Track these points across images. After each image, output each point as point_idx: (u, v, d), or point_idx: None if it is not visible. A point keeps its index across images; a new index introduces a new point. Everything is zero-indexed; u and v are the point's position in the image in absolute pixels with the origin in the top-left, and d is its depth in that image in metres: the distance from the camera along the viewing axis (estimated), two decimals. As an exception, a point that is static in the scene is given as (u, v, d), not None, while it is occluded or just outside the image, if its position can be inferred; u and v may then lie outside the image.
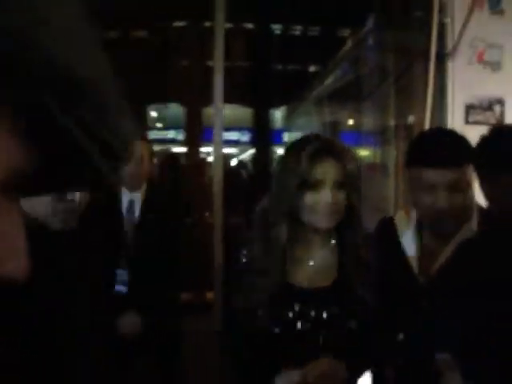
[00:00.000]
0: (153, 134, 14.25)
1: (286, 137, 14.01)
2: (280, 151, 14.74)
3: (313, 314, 1.64)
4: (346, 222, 1.71)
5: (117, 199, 3.11)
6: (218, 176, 4.42)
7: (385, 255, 1.83)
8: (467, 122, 3.96)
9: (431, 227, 1.80)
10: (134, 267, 3.03)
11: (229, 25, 7.13)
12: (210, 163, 7.30)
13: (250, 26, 10.65)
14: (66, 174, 0.41)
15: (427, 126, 4.00)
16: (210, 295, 5.05)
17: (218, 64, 4.39)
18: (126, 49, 9.01)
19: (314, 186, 1.65)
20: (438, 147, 1.71)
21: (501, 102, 4.02)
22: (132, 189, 3.12)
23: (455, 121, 3.92)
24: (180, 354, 3.27)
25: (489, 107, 3.99)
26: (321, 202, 1.64)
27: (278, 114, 13.74)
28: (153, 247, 3.04)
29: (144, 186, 3.16)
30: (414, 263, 1.80)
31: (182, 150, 10.89)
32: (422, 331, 1.66)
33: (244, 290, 1.71)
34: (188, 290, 5.76)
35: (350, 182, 1.69)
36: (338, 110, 9.52)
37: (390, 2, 4.84)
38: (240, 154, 14.61)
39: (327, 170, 1.66)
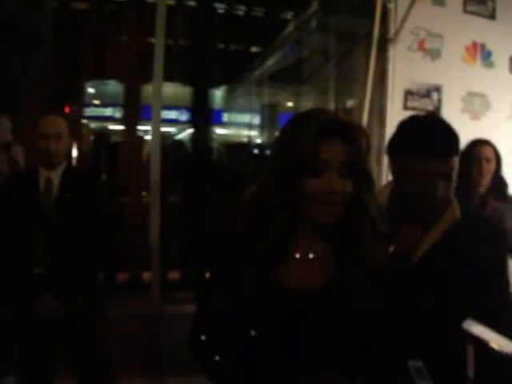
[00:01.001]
0: (90, 111, 13.89)
1: (226, 117, 13.94)
2: (219, 131, 14.77)
3: (302, 318, 1.39)
4: (350, 215, 1.42)
5: (34, 177, 2.95)
6: (155, 155, 4.34)
7: None
8: (405, 107, 4.02)
9: (412, 214, 1.72)
10: (53, 248, 2.89)
11: (171, 2, 6.99)
12: (147, 141, 7.17)
13: (192, 3, 10.48)
14: None
15: (366, 109, 4.04)
16: (147, 275, 4.98)
17: (158, 41, 4.29)
18: (65, 21, 8.69)
19: (316, 169, 1.35)
20: (437, 137, 1.64)
21: (438, 89, 4.11)
22: (49, 167, 2.96)
23: (394, 106, 3.97)
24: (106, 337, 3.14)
25: (427, 94, 4.07)
26: (322, 190, 1.35)
27: (217, 94, 13.63)
28: (70, 227, 2.90)
29: (63, 165, 3.00)
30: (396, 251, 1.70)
31: (120, 127, 10.65)
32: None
33: (224, 289, 1.42)
34: (125, 270, 5.68)
35: (360, 168, 1.41)
36: (278, 92, 9.52)
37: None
38: (178, 133, 14.42)
39: (333, 151, 1.36)
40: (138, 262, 5.36)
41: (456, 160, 1.63)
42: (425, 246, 1.68)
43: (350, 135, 1.37)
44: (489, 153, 3.16)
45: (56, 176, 2.97)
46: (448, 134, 1.65)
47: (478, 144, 3.18)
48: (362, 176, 1.42)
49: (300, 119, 1.42)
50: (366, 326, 1.38)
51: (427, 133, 1.65)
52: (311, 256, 1.45)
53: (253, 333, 1.36)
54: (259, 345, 1.36)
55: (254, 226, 1.42)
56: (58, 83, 7.55)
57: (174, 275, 5.70)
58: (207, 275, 1.49)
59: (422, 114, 1.82)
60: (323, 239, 1.46)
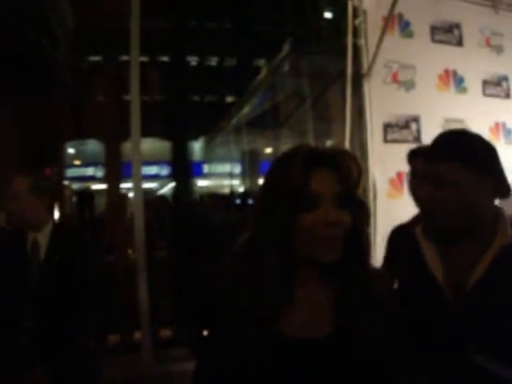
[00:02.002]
0: (71, 172, 13.87)
1: (206, 168, 13.96)
2: (200, 182, 14.78)
3: (311, 370, 1.26)
4: (351, 251, 1.30)
5: (22, 239, 2.85)
6: (138, 211, 4.28)
7: (409, 281, 1.63)
8: (386, 140, 4.01)
9: (434, 225, 1.65)
10: (41, 316, 2.74)
11: (144, 58, 7.04)
12: (130, 199, 7.11)
13: (165, 58, 10.60)
14: None
15: (347, 147, 4.02)
16: (138, 335, 4.84)
17: (134, 98, 4.29)
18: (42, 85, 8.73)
19: (309, 202, 1.27)
20: (433, 142, 1.66)
21: (416, 119, 4.11)
22: (32, 229, 2.87)
23: (374, 140, 3.96)
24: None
25: (405, 125, 4.07)
26: (319, 223, 1.25)
27: (196, 146, 13.69)
28: (58, 294, 2.79)
29: (49, 226, 2.90)
30: (444, 284, 1.61)
31: (102, 186, 10.61)
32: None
33: (223, 347, 1.29)
34: (115, 331, 5.54)
35: (354, 197, 1.32)
36: (256, 138, 9.56)
37: (304, 29, 4.90)
38: (160, 188, 14.41)
39: (324, 181, 1.28)
40: (128, 322, 5.22)
41: (452, 166, 1.57)
42: (471, 282, 1.57)
43: (338, 163, 1.29)
44: None
45: (43, 237, 2.87)
46: (452, 141, 1.64)
47: None
48: (358, 206, 1.33)
49: (285, 156, 1.34)
50: (379, 379, 1.24)
51: (437, 139, 1.66)
52: (313, 301, 1.33)
53: None
54: None
55: (249, 276, 1.31)
56: (34, 145, 7.52)
57: (165, 333, 5.56)
58: (205, 333, 1.38)
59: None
60: (325, 281, 1.34)
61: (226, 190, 12.50)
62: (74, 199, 8.34)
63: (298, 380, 1.25)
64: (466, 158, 1.59)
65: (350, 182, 1.29)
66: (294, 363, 1.25)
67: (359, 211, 1.32)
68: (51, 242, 2.86)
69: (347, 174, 1.29)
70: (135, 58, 4.32)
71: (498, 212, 1.65)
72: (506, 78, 4.67)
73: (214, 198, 7.67)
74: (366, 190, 3.70)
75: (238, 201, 8.15)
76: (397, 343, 1.28)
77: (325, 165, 1.29)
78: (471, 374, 1.31)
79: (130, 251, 5.90)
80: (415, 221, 2.73)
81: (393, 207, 3.70)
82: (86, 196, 7.33)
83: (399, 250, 2.28)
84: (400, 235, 2.75)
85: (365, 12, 4.11)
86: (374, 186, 3.78)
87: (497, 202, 1.69)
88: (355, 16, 4.18)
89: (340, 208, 1.27)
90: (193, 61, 11.28)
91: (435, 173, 1.58)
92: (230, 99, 12.73)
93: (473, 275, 1.57)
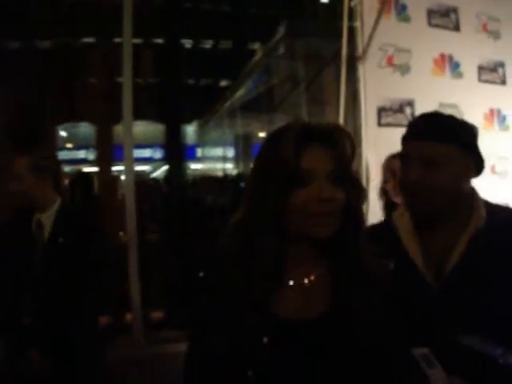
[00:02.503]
0: (63, 155, 13.81)
1: (199, 152, 13.91)
2: (193, 166, 14.74)
3: (304, 352, 1.24)
4: (345, 229, 1.28)
5: (27, 219, 2.82)
6: (129, 194, 4.24)
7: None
8: (380, 124, 3.99)
9: (417, 207, 1.64)
10: (42, 296, 2.71)
11: (138, 40, 6.98)
12: (122, 182, 7.10)
13: (159, 41, 10.52)
14: None
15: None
16: (128, 317, 4.83)
17: (126, 80, 4.23)
18: (33, 64, 8.65)
19: (302, 180, 1.24)
20: (418, 121, 1.66)
21: (411, 103, 4.09)
22: (37, 209, 2.83)
23: (368, 124, 3.93)
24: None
25: (400, 109, 4.05)
26: (312, 200, 1.23)
27: (190, 130, 13.63)
28: (61, 275, 2.76)
29: (55, 206, 2.85)
30: (424, 271, 1.60)
31: (94, 169, 10.58)
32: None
33: (217, 329, 1.26)
34: (105, 314, 5.53)
35: (349, 174, 1.29)
36: (250, 122, 9.52)
37: (300, 10, 4.85)
38: (153, 171, 14.37)
39: (317, 158, 1.25)
40: (119, 304, 5.21)
41: (440, 146, 1.57)
42: (449, 265, 1.57)
43: (331, 139, 1.27)
44: None
45: (47, 218, 2.83)
46: (437, 121, 1.62)
47: None
48: (353, 183, 1.30)
49: (276, 133, 1.31)
50: (377, 357, 1.22)
51: (419, 119, 1.67)
52: (307, 281, 1.31)
53: (250, 373, 1.21)
54: None
55: (242, 258, 1.29)
56: (26, 126, 7.46)
57: (156, 315, 5.55)
58: (198, 315, 1.36)
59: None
60: (319, 260, 1.32)
61: (220, 174, 12.50)
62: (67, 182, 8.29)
63: (294, 362, 1.23)
64: (453, 137, 1.59)
65: (343, 159, 1.27)
66: (290, 345, 1.24)
67: (354, 188, 1.30)
68: (55, 222, 2.82)
69: (341, 151, 1.27)
70: (128, 40, 4.26)
71: (473, 192, 1.67)
72: (502, 65, 4.65)
73: (207, 181, 7.66)
74: (359, 174, 3.69)
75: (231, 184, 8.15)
76: (392, 322, 1.27)
77: (318, 141, 1.27)
78: (458, 356, 1.30)
79: (121, 234, 5.88)
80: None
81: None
82: (86, 178, 7.27)
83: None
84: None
85: (361, -6, 4.07)
86: (367, 170, 3.76)
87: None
88: (351, -2, 4.14)
89: (334, 185, 1.25)
90: (187, 43, 11.19)
91: (423, 152, 1.57)
92: (224, 83, 12.66)
93: (451, 258, 1.57)
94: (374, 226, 1.87)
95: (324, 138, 1.27)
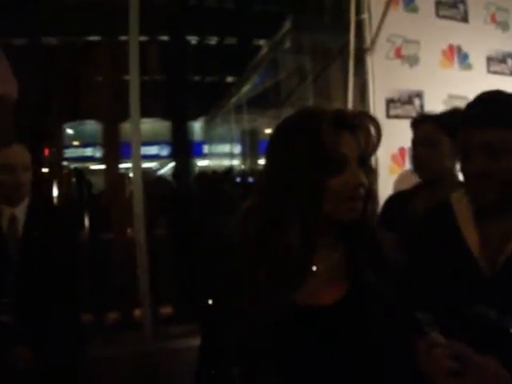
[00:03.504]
0: (70, 152, 13.83)
1: (206, 148, 13.90)
2: (200, 163, 14.72)
3: (324, 340, 1.23)
4: (366, 212, 1.29)
5: None
6: (137, 191, 4.25)
7: (443, 252, 1.56)
8: (388, 116, 3.96)
9: (483, 199, 1.54)
10: (20, 292, 2.63)
11: (143, 38, 6.97)
12: (130, 179, 7.12)
13: (164, 38, 10.51)
14: None
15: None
16: (137, 313, 4.84)
17: (133, 78, 4.23)
18: (39, 63, 8.66)
19: (339, 165, 1.24)
20: (477, 106, 1.54)
21: (420, 95, 4.06)
22: (10, 203, 2.73)
23: (377, 115, 3.89)
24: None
25: (408, 101, 4.02)
26: (350, 185, 1.24)
27: (196, 126, 13.62)
28: (38, 269, 2.72)
29: (26, 201, 2.77)
30: (479, 256, 1.53)
31: (101, 167, 10.58)
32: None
33: (234, 319, 1.24)
34: (115, 309, 5.55)
35: (369, 160, 1.32)
36: (257, 117, 9.49)
37: (306, 3, 4.83)
38: (160, 168, 14.37)
39: (350, 143, 1.26)
40: (128, 300, 5.22)
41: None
42: (505, 253, 1.50)
43: (359, 125, 1.28)
44: None
45: (21, 213, 2.79)
46: (498, 105, 1.52)
47: None
48: (370, 170, 1.33)
49: (307, 116, 1.30)
50: (390, 344, 1.21)
51: (472, 104, 1.57)
52: (323, 267, 1.31)
53: (268, 362, 1.21)
54: (275, 375, 1.21)
55: (262, 241, 1.27)
56: (33, 124, 7.47)
57: (166, 310, 5.56)
58: (213, 306, 1.35)
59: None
60: (334, 244, 1.32)
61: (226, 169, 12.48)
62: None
63: (311, 348, 1.22)
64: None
65: (369, 145, 1.29)
66: (307, 331, 1.23)
67: (372, 173, 1.32)
68: (28, 216, 2.77)
69: (367, 137, 1.28)
70: (134, 37, 4.26)
71: None
72: (510, 56, 4.60)
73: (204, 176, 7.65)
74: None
75: (237, 179, 8.14)
76: (405, 308, 1.25)
77: (348, 127, 1.27)
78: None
79: (129, 230, 5.89)
80: (414, 190, 2.71)
81: (394, 182, 3.67)
82: (78, 174, 7.30)
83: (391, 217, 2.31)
84: (398, 202, 2.73)
85: (368, -14, 4.04)
86: (376, 162, 3.74)
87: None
88: (359, -10, 4.11)
89: (360, 170, 1.27)
90: (193, 40, 11.18)
91: (488, 140, 1.48)
92: (230, 79, 12.64)
93: (507, 247, 1.51)
94: (431, 209, 1.86)
95: (353, 123, 1.28)
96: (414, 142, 2.64)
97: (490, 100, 1.55)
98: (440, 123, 2.54)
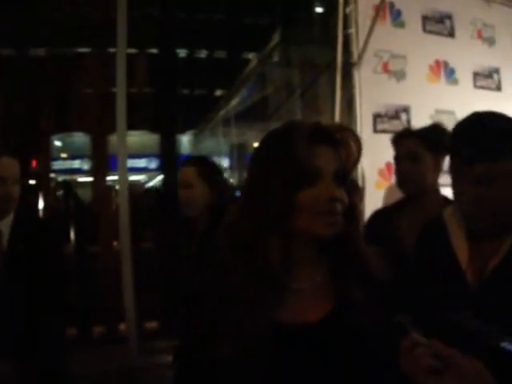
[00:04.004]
0: (58, 165, 13.77)
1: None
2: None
3: (305, 358, 1.20)
4: (347, 229, 1.27)
5: None
6: (123, 204, 4.23)
7: (434, 265, 1.58)
8: (375, 130, 3.97)
9: (476, 224, 1.57)
10: (4, 305, 2.65)
11: (132, 50, 6.97)
12: (117, 191, 7.08)
13: (153, 50, 10.51)
14: None
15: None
16: (122, 327, 4.79)
17: (120, 90, 4.22)
18: (27, 77, 8.64)
19: (311, 178, 1.22)
20: (465, 141, 1.52)
21: (406, 110, 4.07)
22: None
23: (364, 130, 3.91)
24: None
25: (395, 115, 4.03)
26: (322, 199, 1.21)
27: (185, 140, 13.62)
28: (23, 282, 2.67)
29: (12, 214, 2.70)
30: (466, 269, 1.56)
31: (89, 179, 10.54)
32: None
33: (216, 333, 1.21)
34: (100, 323, 5.50)
35: (349, 174, 1.29)
36: (245, 131, 9.50)
37: (294, 19, 4.86)
38: (148, 181, 14.35)
39: (325, 157, 1.23)
40: (113, 314, 5.17)
41: (502, 163, 1.47)
42: (491, 266, 1.52)
43: (338, 140, 1.25)
44: None
45: (5, 226, 2.75)
46: (491, 134, 1.51)
47: None
48: (352, 185, 1.30)
49: (285, 131, 1.26)
50: (377, 360, 1.18)
51: (474, 134, 1.53)
52: (307, 284, 1.27)
53: (251, 381, 1.18)
54: None
55: (241, 258, 1.24)
56: (20, 136, 7.43)
57: (151, 325, 5.51)
58: (197, 324, 1.29)
59: (481, 111, 1.65)
60: (318, 261, 1.29)
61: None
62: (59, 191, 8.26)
63: (296, 367, 1.20)
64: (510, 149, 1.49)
65: (348, 160, 1.25)
66: (292, 350, 1.20)
67: (353, 189, 1.29)
68: (14, 229, 2.73)
69: (346, 151, 1.25)
70: (122, 50, 4.25)
71: None
72: (497, 71, 4.65)
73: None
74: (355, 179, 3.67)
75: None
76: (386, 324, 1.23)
77: (325, 141, 1.24)
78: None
79: (115, 243, 5.85)
80: (398, 205, 2.71)
81: (381, 197, 3.67)
82: (66, 186, 7.27)
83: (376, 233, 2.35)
84: (383, 217, 2.73)
85: (356, 1, 4.06)
86: (363, 176, 3.74)
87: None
88: (346, 5, 4.14)
89: (338, 186, 1.23)
90: (182, 53, 11.19)
91: (478, 175, 1.48)
92: (219, 92, 12.66)
93: (493, 260, 1.52)
94: (427, 223, 1.86)
95: (331, 137, 1.25)
96: (398, 157, 2.64)
97: (476, 134, 1.54)
98: (422, 139, 2.55)
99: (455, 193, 1.58)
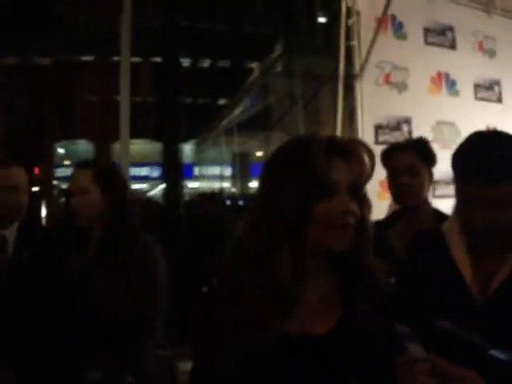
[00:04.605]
0: (61, 172, 13.78)
1: (197, 170, 13.88)
2: (191, 184, 14.71)
3: (311, 370, 1.21)
4: (358, 243, 1.28)
5: None
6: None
7: (434, 279, 1.58)
8: (377, 142, 3.98)
9: (478, 246, 1.57)
10: (8, 314, 2.66)
11: (136, 59, 7.01)
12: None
13: (157, 59, 10.55)
14: None
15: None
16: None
17: (124, 99, 4.25)
18: (31, 82, 8.69)
19: (328, 191, 1.24)
20: (484, 161, 1.48)
21: (408, 121, 4.09)
22: (3, 223, 2.77)
23: (365, 141, 3.92)
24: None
25: (397, 127, 4.05)
26: (337, 212, 1.23)
27: (187, 148, 13.63)
28: (28, 289, 2.68)
29: (18, 221, 2.70)
30: (471, 284, 1.55)
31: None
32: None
33: (224, 345, 1.23)
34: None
35: (362, 189, 1.30)
36: (247, 141, 9.51)
37: (297, 29, 4.89)
38: (151, 190, 14.35)
39: (341, 171, 1.25)
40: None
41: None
42: (497, 282, 1.52)
43: (353, 154, 1.26)
44: None
45: (10, 233, 2.76)
46: (496, 160, 1.48)
47: None
48: (364, 199, 1.30)
49: (301, 142, 1.30)
50: (382, 374, 1.19)
51: (484, 158, 1.49)
52: (316, 296, 1.28)
53: None
54: None
55: (253, 268, 1.25)
56: (24, 143, 7.47)
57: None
58: (204, 336, 1.31)
59: (486, 131, 1.64)
60: (330, 272, 1.30)
61: (216, 190, 12.48)
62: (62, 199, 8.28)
63: (302, 379, 1.20)
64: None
65: (362, 174, 1.27)
66: (298, 362, 1.21)
67: (365, 203, 1.29)
68: (18, 237, 2.75)
69: (361, 166, 1.26)
70: (126, 58, 4.28)
71: None
72: (497, 83, 4.67)
73: (203, 196, 7.65)
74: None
75: (228, 202, 8.12)
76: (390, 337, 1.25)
77: (340, 154, 1.26)
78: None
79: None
80: (392, 218, 2.71)
81: (383, 208, 3.67)
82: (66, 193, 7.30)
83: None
84: (377, 230, 2.71)
85: (358, 13, 4.09)
86: (365, 188, 3.75)
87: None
88: (348, 17, 4.16)
89: (351, 200, 1.24)
90: (185, 62, 11.23)
91: (491, 197, 1.46)
92: (222, 101, 12.67)
93: (499, 275, 1.53)
94: (422, 234, 1.86)
95: (346, 151, 1.26)
96: (395, 171, 2.59)
97: (486, 157, 1.51)
98: (418, 151, 2.54)
99: (464, 215, 1.55)
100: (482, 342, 1.25)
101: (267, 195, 1.29)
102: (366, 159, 1.27)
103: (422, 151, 2.54)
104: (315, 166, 1.21)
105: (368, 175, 1.28)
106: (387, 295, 1.30)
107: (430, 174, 2.54)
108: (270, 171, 1.32)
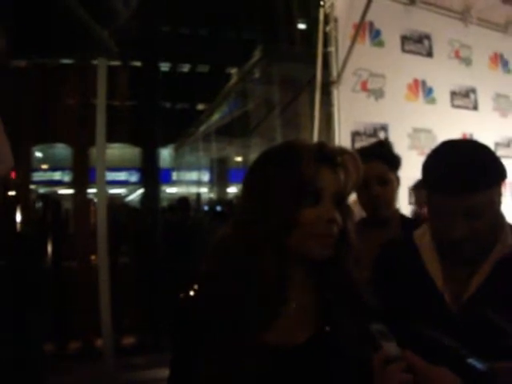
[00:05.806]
0: (38, 176, 13.64)
1: (175, 175, 13.85)
2: (169, 190, 14.65)
3: (291, 379, 1.19)
4: (340, 254, 1.27)
5: None
6: (101, 217, 4.20)
7: (407, 287, 1.57)
8: (353, 148, 3.98)
9: (453, 254, 1.56)
10: None
11: (115, 62, 6.96)
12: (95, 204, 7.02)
13: (136, 63, 10.50)
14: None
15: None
16: (99, 342, 4.74)
17: (100, 103, 4.22)
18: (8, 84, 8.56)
19: (313, 198, 1.23)
20: (452, 171, 1.48)
21: (385, 128, 4.11)
22: None
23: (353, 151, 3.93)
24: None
25: (374, 134, 4.07)
26: (322, 220, 1.21)
27: (165, 153, 13.59)
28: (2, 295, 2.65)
29: None
30: (444, 291, 1.55)
31: (69, 191, 10.45)
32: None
33: (203, 353, 1.20)
34: (76, 338, 5.43)
35: (346, 198, 1.30)
36: (225, 146, 9.51)
37: (276, 36, 4.89)
38: (129, 195, 14.27)
39: (327, 179, 1.24)
40: (90, 329, 5.11)
41: (484, 193, 1.46)
42: (474, 284, 1.52)
43: (340, 162, 1.26)
44: None
45: None
46: (470, 169, 1.47)
47: None
48: (348, 210, 1.30)
49: (290, 148, 1.28)
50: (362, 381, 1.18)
51: (441, 168, 1.51)
52: (295, 305, 1.27)
53: None
54: None
55: (234, 276, 1.22)
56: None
57: (128, 340, 5.46)
58: (181, 344, 1.27)
59: (456, 140, 1.65)
60: (311, 281, 1.29)
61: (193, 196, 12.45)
62: (39, 204, 8.17)
63: None
64: (493, 179, 1.49)
65: (349, 183, 1.27)
66: (277, 372, 1.19)
67: (348, 214, 1.29)
68: None
69: (348, 175, 1.27)
70: (103, 61, 4.26)
71: (501, 220, 1.58)
72: (473, 90, 4.72)
73: (181, 201, 7.63)
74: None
75: (205, 207, 8.09)
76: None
77: (328, 162, 1.25)
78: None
79: (93, 257, 5.81)
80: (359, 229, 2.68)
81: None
82: (51, 201, 7.20)
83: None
84: None
85: (336, 19, 4.10)
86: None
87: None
88: (327, 23, 4.17)
89: (335, 208, 1.24)
90: (164, 66, 11.19)
91: (466, 206, 1.46)
92: (201, 106, 12.66)
93: (471, 284, 1.53)
94: (392, 242, 1.85)
95: (333, 160, 1.26)
96: (364, 182, 2.31)
97: (458, 166, 1.50)
98: (386, 160, 2.48)
99: (438, 225, 1.55)
100: (460, 350, 1.25)
101: (253, 199, 1.27)
102: (352, 169, 1.27)
103: (387, 158, 2.49)
104: (305, 172, 1.20)
105: (354, 185, 1.28)
106: (367, 305, 1.28)
107: (397, 179, 2.50)
108: (255, 174, 1.30)
